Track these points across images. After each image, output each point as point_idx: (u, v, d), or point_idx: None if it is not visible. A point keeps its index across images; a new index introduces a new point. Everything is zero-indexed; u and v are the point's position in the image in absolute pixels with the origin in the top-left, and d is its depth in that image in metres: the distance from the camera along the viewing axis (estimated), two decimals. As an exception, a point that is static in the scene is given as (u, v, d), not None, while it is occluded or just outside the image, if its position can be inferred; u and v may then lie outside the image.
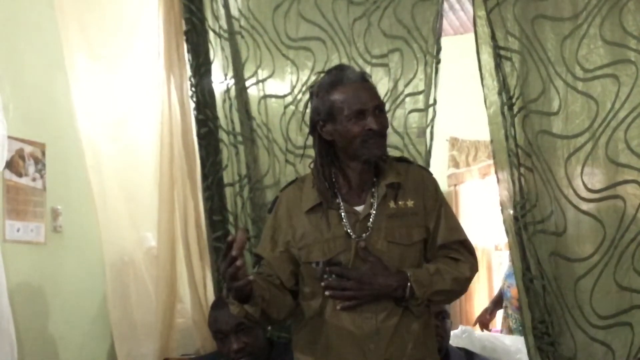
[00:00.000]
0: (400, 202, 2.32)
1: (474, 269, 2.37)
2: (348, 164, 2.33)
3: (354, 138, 2.27)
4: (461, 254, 2.36)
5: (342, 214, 2.31)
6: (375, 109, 2.28)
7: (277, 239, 2.37)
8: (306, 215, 2.34)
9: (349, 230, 2.29)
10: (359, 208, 2.32)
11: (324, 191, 2.32)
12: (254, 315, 2.21)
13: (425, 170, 2.48)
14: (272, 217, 2.41)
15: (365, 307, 2.26)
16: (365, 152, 2.28)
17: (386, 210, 2.31)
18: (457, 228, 2.40)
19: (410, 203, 2.33)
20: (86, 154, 3.27)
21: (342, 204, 2.33)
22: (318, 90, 2.36)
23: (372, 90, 2.33)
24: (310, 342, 2.32)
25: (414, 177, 2.38)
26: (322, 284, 2.26)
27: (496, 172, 2.88)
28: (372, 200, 2.32)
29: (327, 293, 2.25)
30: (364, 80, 2.34)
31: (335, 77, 2.33)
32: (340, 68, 2.39)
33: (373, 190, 2.33)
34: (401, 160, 2.48)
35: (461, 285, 2.36)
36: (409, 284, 2.24)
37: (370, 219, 2.30)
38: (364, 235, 2.29)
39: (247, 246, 3.16)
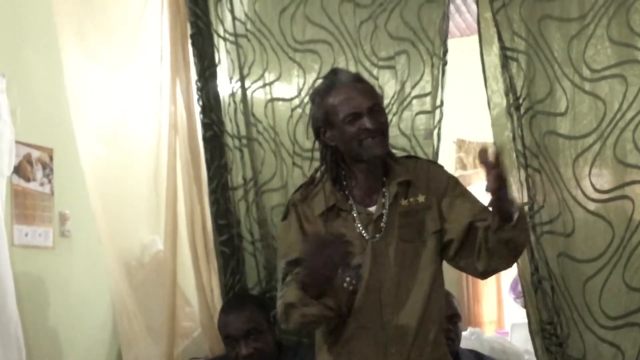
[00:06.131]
0: (411, 199, 2.32)
1: None
2: (356, 166, 2.32)
3: (351, 140, 2.26)
4: None
5: (355, 215, 2.31)
6: (370, 109, 2.26)
7: None
8: (320, 219, 2.33)
9: (362, 232, 2.29)
10: (372, 209, 2.31)
11: (336, 194, 2.32)
12: (334, 306, 2.17)
13: (433, 164, 2.48)
14: (294, 221, 2.36)
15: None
16: (365, 152, 2.27)
17: (398, 209, 2.31)
18: (479, 201, 2.33)
19: (421, 198, 2.32)
20: (82, 157, 3.22)
21: (354, 205, 2.32)
22: (314, 97, 2.36)
23: (366, 90, 2.30)
24: (333, 343, 2.31)
25: (423, 171, 2.37)
26: None
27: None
28: (383, 200, 2.31)
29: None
30: (357, 81, 2.32)
31: (329, 82, 2.32)
32: (334, 72, 2.38)
33: (384, 189, 2.32)
34: (409, 157, 2.48)
35: (524, 248, 2.36)
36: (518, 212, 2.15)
37: (383, 219, 2.29)
38: (377, 235, 2.28)
39: (252, 250, 3.18)
